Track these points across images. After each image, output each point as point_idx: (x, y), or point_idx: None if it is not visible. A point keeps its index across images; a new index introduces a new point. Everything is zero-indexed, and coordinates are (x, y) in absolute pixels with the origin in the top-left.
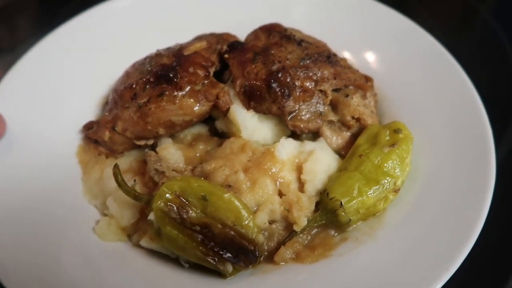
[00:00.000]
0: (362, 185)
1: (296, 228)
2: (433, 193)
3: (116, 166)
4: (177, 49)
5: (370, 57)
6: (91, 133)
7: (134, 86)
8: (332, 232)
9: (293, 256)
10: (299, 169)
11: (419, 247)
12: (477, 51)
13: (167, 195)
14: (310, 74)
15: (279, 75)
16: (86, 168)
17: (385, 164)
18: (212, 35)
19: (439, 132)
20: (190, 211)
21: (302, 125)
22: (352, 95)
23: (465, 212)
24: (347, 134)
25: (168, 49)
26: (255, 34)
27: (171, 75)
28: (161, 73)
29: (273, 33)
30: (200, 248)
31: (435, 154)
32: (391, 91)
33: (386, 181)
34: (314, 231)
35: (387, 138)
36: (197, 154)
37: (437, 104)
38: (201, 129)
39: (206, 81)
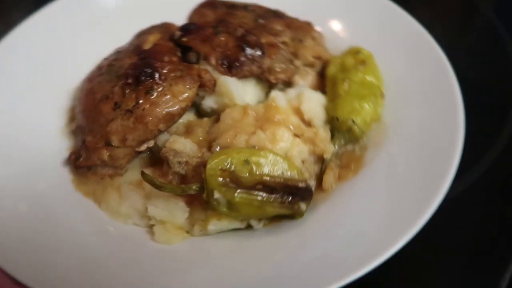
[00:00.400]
0: (359, 101)
1: (327, 155)
2: (411, 91)
3: (143, 173)
4: (134, 47)
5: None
6: (83, 161)
7: (109, 96)
8: (352, 148)
9: (336, 178)
10: (299, 113)
11: (429, 135)
12: (478, 49)
13: (215, 172)
14: (269, 30)
15: (247, 38)
16: (96, 197)
17: (366, 78)
18: (154, 27)
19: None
20: (241, 178)
21: (283, 76)
22: (305, 39)
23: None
24: (313, 73)
25: (119, 52)
26: (198, 12)
27: (150, 70)
28: (139, 72)
29: (218, 6)
30: (273, 200)
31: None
32: None
33: (373, 90)
34: (338, 153)
35: (352, 61)
36: (200, 138)
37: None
38: (188, 116)
39: (181, 66)
